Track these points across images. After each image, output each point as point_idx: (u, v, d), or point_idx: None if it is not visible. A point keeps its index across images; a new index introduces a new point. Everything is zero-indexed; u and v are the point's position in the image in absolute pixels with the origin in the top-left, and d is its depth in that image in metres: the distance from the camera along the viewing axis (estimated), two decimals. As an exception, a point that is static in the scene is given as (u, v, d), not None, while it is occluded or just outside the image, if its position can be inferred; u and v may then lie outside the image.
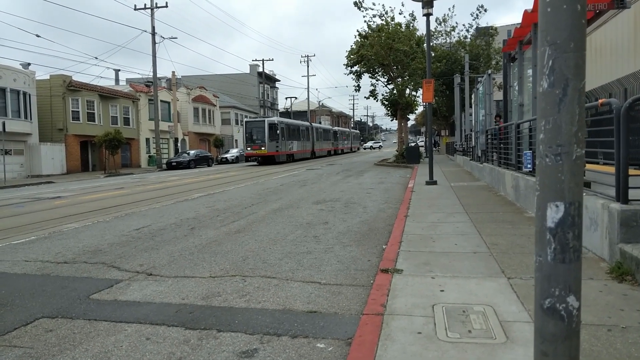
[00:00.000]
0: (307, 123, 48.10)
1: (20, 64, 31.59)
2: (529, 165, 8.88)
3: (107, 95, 37.44)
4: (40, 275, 5.73)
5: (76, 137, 34.68)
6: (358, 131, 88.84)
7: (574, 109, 1.34)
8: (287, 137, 39.09)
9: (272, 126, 36.63)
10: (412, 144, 32.89)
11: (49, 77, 33.53)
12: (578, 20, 1.30)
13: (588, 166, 6.76)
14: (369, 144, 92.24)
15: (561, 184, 1.37)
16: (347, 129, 74.44)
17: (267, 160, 36.70)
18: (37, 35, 27.71)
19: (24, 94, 30.36)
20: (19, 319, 4.27)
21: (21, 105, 30.12)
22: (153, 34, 36.88)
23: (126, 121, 39.95)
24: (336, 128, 64.07)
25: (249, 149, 37.05)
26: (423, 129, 79.61)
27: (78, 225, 9.56)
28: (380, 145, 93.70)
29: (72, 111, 34.26)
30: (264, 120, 37.37)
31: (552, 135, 1.38)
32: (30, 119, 31.28)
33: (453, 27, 42.43)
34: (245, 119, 42.12)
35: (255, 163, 37.99)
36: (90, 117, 35.80)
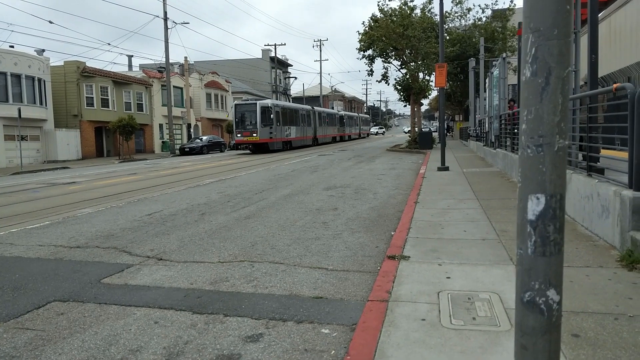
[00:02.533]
0: (307, 107, 43.63)
1: (35, 51, 31.86)
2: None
3: (120, 81, 37.68)
4: (53, 260, 5.85)
5: (91, 123, 35.04)
6: (368, 116, 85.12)
7: (556, 98, 1.31)
8: (283, 122, 34.54)
9: (265, 110, 32.29)
10: (426, 129, 32.58)
11: (63, 64, 33.80)
12: (562, 6, 1.26)
13: (603, 152, 6.65)
14: (374, 129, 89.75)
15: (542, 176, 1.35)
16: (355, 114, 68.16)
17: (259, 148, 32.79)
18: (50, 22, 27.90)
19: (39, 80, 30.69)
20: (32, 302, 4.38)
21: (36, 92, 30.48)
22: (165, 19, 36.82)
23: (139, 107, 40.21)
24: (342, 112, 58.52)
25: (238, 135, 32.67)
26: (437, 114, 78.23)
27: (92, 210, 9.71)
28: (383, 131, 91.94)
29: (86, 97, 34.57)
30: (256, 103, 32.67)
31: (533, 126, 1.35)
32: (46, 105, 31.66)
33: (469, 8, 41.71)
34: (234, 102, 37.91)
35: (247, 151, 33.85)
36: (104, 103, 36.10)
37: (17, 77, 29.05)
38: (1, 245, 6.71)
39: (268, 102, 33.90)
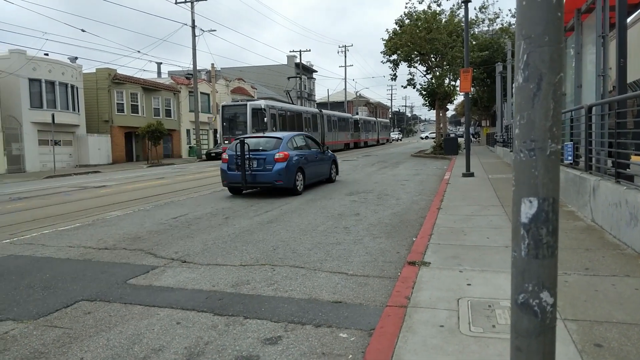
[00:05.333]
0: (313, 109, 39.20)
1: (68, 58, 32.95)
2: (569, 157, 8.58)
3: (149, 88, 38.58)
4: (82, 261, 6.04)
5: (121, 129, 35.97)
6: (387, 120, 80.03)
7: (548, 104, 1.32)
8: (280, 127, 29.38)
9: (257, 112, 27.48)
10: (451, 135, 32.23)
11: (95, 71, 34.84)
12: (553, 14, 1.28)
13: (633, 158, 6.47)
14: (394, 135, 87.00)
15: (535, 180, 1.36)
16: (373, 118, 62.97)
17: None
18: (83, 30, 28.88)
19: (72, 87, 31.71)
20: (61, 301, 4.54)
21: (69, 98, 31.49)
22: (193, 27, 37.58)
23: (168, 113, 41.05)
24: (357, 116, 53.28)
25: (226, 142, 27.18)
26: (463, 119, 76.71)
27: (120, 213, 9.97)
28: (401, 137, 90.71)
29: (117, 103, 35.53)
30: (246, 104, 27.89)
31: (526, 131, 1.37)
32: (78, 111, 32.66)
33: (496, 13, 41.21)
34: (222, 103, 32.42)
35: None
36: (134, 109, 37.01)
37: (51, 84, 30.09)
38: (33, 246, 6.96)
39: (261, 102, 28.72)
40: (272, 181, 11.40)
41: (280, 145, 11.81)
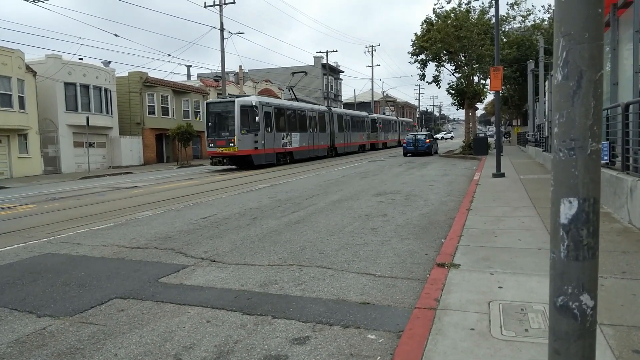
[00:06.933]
0: (321, 107, 35.04)
1: (102, 62, 33.89)
2: (605, 157, 8.32)
3: (179, 91, 39.34)
4: (115, 259, 6.21)
5: (152, 130, 36.77)
6: (410, 119, 76.33)
7: (588, 101, 1.29)
8: (278, 127, 25.95)
9: (247, 110, 23.49)
10: (481, 135, 31.66)
11: (127, 74, 35.75)
12: (593, 10, 1.25)
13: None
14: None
15: (575, 180, 1.33)
16: (394, 117, 58.12)
17: (238, 163, 24.43)
18: (116, 35, 29.66)
19: (106, 90, 32.62)
20: (95, 298, 4.67)
21: (103, 101, 32.41)
22: (222, 30, 38.06)
23: (197, 115, 41.74)
24: (375, 115, 47.92)
25: (211, 145, 24.20)
26: (493, 119, 74.78)
27: (152, 213, 10.20)
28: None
29: (148, 106, 36.34)
30: (234, 102, 23.62)
31: (565, 129, 1.34)
32: (111, 114, 33.58)
33: (529, 10, 40.29)
34: (206, 100, 28.72)
35: (229, 167, 25.10)
36: (165, 111, 37.78)
37: (85, 87, 31.03)
38: (69, 245, 7.20)
39: (252, 99, 24.44)
40: (425, 150, 30.28)
41: (426, 137, 31.38)
